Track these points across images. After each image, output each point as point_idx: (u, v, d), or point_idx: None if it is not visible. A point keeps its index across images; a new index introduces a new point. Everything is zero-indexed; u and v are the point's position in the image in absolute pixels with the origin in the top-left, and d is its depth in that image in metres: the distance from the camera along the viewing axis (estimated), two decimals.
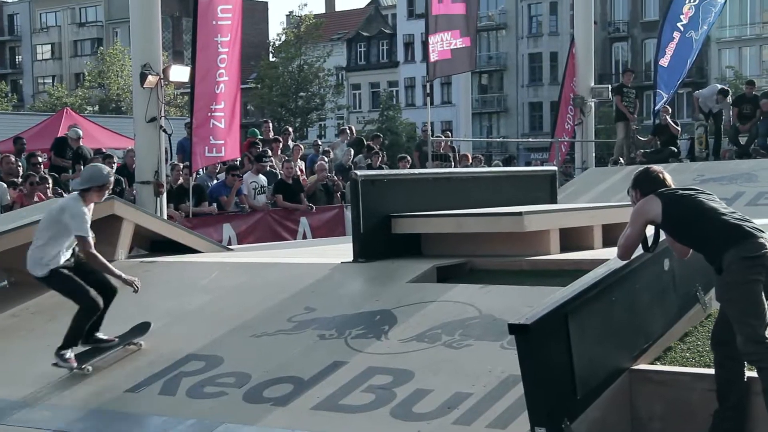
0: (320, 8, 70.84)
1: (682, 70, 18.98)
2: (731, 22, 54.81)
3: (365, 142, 18.10)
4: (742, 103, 17.25)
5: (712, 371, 5.01)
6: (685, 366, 5.29)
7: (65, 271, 6.45)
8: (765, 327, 4.67)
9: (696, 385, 5.03)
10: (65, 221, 6.37)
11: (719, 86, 18.77)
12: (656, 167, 5.32)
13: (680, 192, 5.14)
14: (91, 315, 6.33)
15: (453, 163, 17.55)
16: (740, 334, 4.69)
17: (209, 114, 12.50)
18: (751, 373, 4.77)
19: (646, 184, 5.18)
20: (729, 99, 17.53)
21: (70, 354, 6.28)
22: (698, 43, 18.92)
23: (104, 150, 15.22)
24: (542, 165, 24.63)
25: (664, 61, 18.75)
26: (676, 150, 17.60)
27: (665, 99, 18.71)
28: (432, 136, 19.15)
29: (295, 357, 5.99)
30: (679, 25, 18.71)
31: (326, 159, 16.16)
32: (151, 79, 11.68)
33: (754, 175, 14.18)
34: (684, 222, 5.00)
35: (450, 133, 27.41)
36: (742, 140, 17.35)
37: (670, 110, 18.18)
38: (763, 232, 4.87)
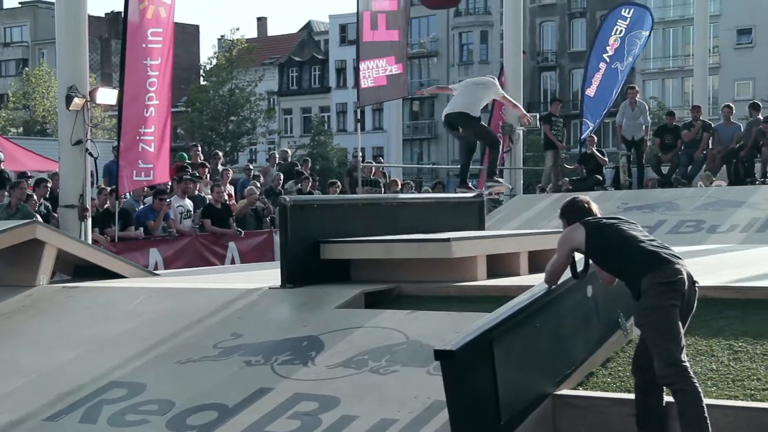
0: (252, 33, 70.54)
1: (607, 100, 19.40)
2: (655, 55, 56.12)
3: (296, 167, 18.10)
4: (664, 133, 17.63)
5: (632, 396, 5.09)
6: (607, 391, 5.36)
7: None
8: (680, 350, 4.78)
9: (617, 410, 5.10)
10: None
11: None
12: (583, 197, 5.46)
13: (603, 221, 5.27)
14: None
15: (383, 189, 17.62)
16: (657, 357, 4.79)
17: (138, 137, 12.40)
18: (669, 398, 4.85)
19: (572, 214, 5.34)
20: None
21: None
22: (623, 74, 19.35)
23: (29, 173, 14.97)
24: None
25: (591, 91, 19.14)
26: (601, 178, 17.93)
27: (591, 128, 19.07)
28: (363, 161, 19.22)
29: (220, 384, 5.92)
30: (605, 56, 19.13)
31: (257, 184, 16.11)
32: (77, 102, 11.55)
33: (676, 203, 14.50)
34: (606, 250, 5.12)
35: (381, 159, 27.56)
36: (665, 169, 17.72)
37: (596, 139, 18.53)
38: (679, 258, 5.00)
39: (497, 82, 11.30)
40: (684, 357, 4.79)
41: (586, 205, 5.34)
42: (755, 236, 12.49)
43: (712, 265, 8.66)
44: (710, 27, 30.54)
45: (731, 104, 18.36)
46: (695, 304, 5.03)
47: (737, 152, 16.75)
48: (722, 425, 4.78)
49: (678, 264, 4.95)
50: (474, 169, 16.68)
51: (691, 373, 4.77)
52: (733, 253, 10.39)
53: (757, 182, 16.33)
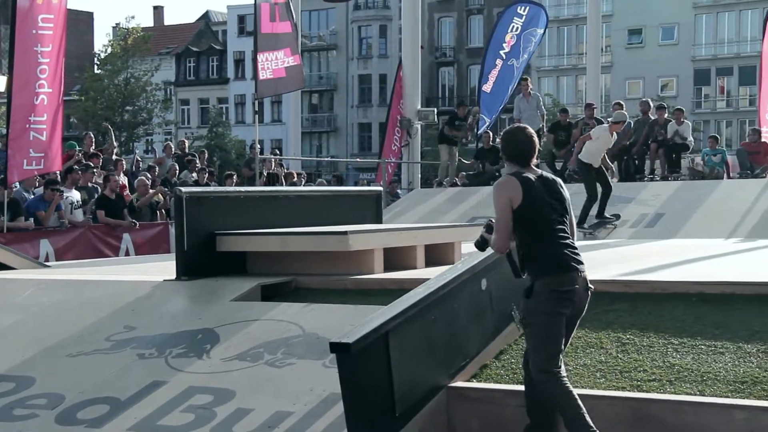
0: (149, 21, 69.42)
1: (503, 96, 19.69)
2: (550, 53, 57.25)
3: (189, 158, 17.89)
4: (558, 130, 17.98)
5: (523, 387, 5.19)
6: (500, 383, 5.46)
7: None
8: (555, 358, 4.76)
9: (509, 401, 5.19)
10: None
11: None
12: (529, 129, 5.11)
13: (537, 194, 4.92)
14: None
15: (282, 182, 17.55)
16: (532, 360, 4.84)
17: (28, 126, 12.06)
18: None
19: (511, 147, 5.02)
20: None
21: None
22: (519, 71, 19.66)
23: None
24: (369, 185, 24.97)
25: (487, 87, 19.40)
26: (498, 174, 18.19)
27: (488, 123, 19.33)
28: (261, 154, 19.10)
29: (113, 377, 5.82)
30: (501, 53, 19.42)
31: (147, 175, 15.86)
32: None
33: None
34: (526, 223, 4.89)
35: (279, 152, 27.42)
36: (559, 165, 18.08)
37: (491, 135, 18.79)
38: (581, 263, 4.93)
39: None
40: (558, 363, 4.77)
41: (527, 140, 4.99)
42: (644, 231, 12.87)
43: (603, 260, 8.89)
44: (602, 26, 31.36)
45: (621, 102, 18.82)
46: (585, 308, 5.00)
47: (628, 149, 17.20)
48: (610, 415, 4.91)
49: (578, 271, 4.88)
50: (372, 162, 16.73)
51: (563, 376, 4.77)
52: (622, 247, 10.68)
53: (647, 179, 16.81)
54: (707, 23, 55.47)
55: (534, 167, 5.02)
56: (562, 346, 4.87)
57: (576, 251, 4.93)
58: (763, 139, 17.31)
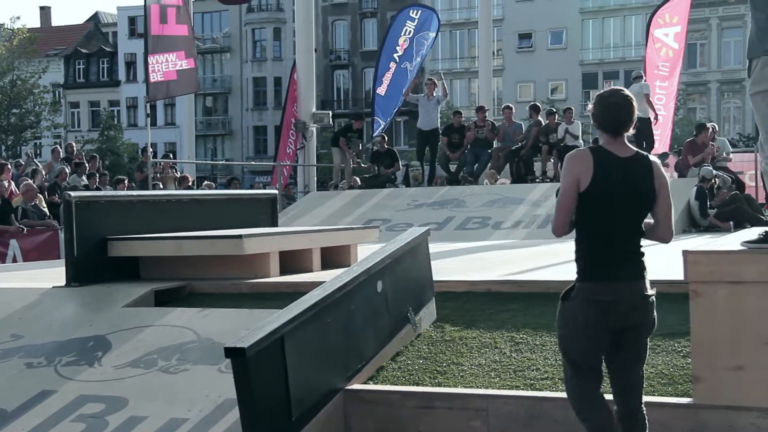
0: (35, 22, 67.64)
1: (397, 99, 19.83)
2: (443, 56, 57.88)
3: (78, 161, 17.50)
4: (451, 132, 18.14)
5: (420, 389, 5.23)
6: (396, 384, 5.48)
7: None
8: (578, 373, 4.18)
9: (406, 403, 5.22)
10: None
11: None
12: (626, 91, 4.21)
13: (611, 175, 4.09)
14: None
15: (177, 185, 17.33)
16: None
17: None
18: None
19: (604, 113, 4.19)
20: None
21: None
22: (412, 74, 19.82)
23: None
24: (264, 188, 24.83)
25: (382, 90, 19.52)
26: (393, 176, 18.29)
27: (383, 126, 19.43)
28: (154, 157, 18.81)
29: None
30: (395, 56, 19.57)
31: (28, 179, 15.45)
32: None
33: (463, 201, 15.01)
34: (588, 215, 4.12)
35: (172, 155, 27.04)
36: (452, 167, 18.27)
37: (386, 139, 18.88)
38: (638, 272, 4.15)
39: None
40: (584, 381, 4.17)
41: (622, 103, 4.13)
42: (536, 232, 13.09)
43: (497, 260, 9.04)
44: (494, 31, 31.81)
45: (511, 105, 19.14)
46: (643, 324, 4.14)
47: (518, 151, 17.50)
48: (503, 413, 4.99)
49: (625, 281, 4.08)
50: (267, 165, 16.62)
51: (581, 394, 4.21)
52: (516, 248, 10.86)
53: (537, 180, 17.13)
54: (594, 28, 56.89)
55: (628, 143, 4.19)
56: (597, 363, 4.18)
57: (634, 256, 4.12)
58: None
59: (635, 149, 4.20)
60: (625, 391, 4.20)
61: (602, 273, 4.07)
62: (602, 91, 4.31)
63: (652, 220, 4.20)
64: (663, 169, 4.25)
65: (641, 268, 4.13)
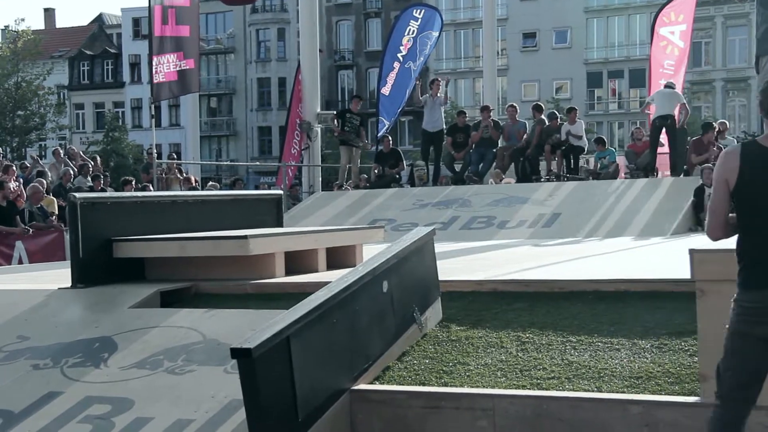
0: (39, 24, 67.78)
1: (402, 98, 19.82)
2: (447, 55, 57.92)
3: (83, 162, 17.53)
4: (455, 132, 18.14)
5: (426, 389, 5.23)
6: (402, 385, 5.47)
7: None
8: (730, 385, 3.94)
9: (412, 403, 5.21)
10: None
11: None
12: None
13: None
14: None
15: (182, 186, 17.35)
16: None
17: None
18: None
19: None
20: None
21: None
22: (416, 73, 19.80)
23: None
24: (269, 189, 24.85)
25: (386, 90, 19.51)
26: (398, 176, 18.29)
27: (387, 126, 19.43)
28: (159, 158, 18.83)
29: (6, 389, 5.65)
30: (399, 55, 19.56)
31: (43, 181, 15.48)
32: None
33: (468, 200, 15.00)
34: (743, 215, 3.88)
35: (176, 156, 27.06)
36: (457, 167, 18.27)
37: (390, 139, 18.87)
38: None
39: None
40: (735, 395, 3.92)
41: None
42: (541, 231, 13.09)
43: (502, 260, 9.02)
44: (498, 30, 31.82)
45: (515, 104, 19.13)
46: None
47: (523, 150, 17.49)
48: (510, 413, 4.98)
49: None
50: (272, 165, 16.64)
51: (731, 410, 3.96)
52: (521, 247, 10.85)
53: (543, 179, 17.12)
54: (598, 27, 56.85)
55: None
56: (750, 378, 3.90)
57: None
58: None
59: None
60: None
61: (754, 280, 3.81)
62: None
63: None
64: None
65: None
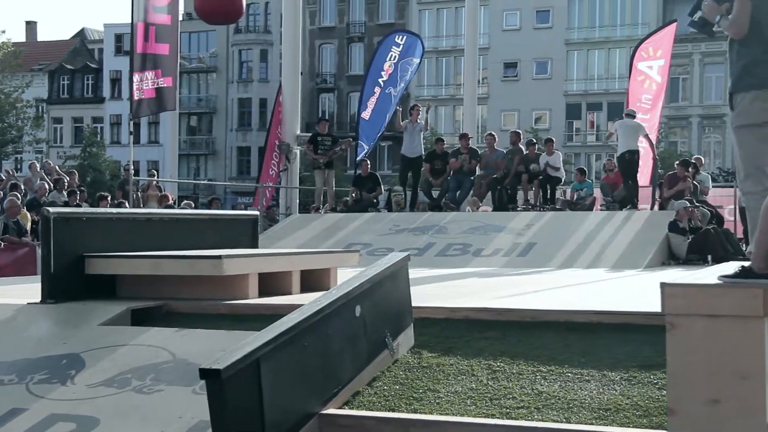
0: (20, 37, 67.56)
1: (381, 123, 19.89)
2: (429, 82, 58.16)
3: (58, 176, 17.44)
4: (434, 158, 18.19)
5: (395, 415, 5.20)
6: (372, 410, 5.44)
7: None
8: None
9: (381, 428, 5.18)
10: None
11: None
12: None
13: None
14: None
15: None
16: None
17: None
18: None
19: None
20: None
21: None
22: (396, 99, 19.89)
23: None
24: (246, 209, 24.79)
25: (366, 114, 19.57)
26: (375, 201, 18.31)
27: (366, 150, 19.46)
28: (136, 175, 18.76)
29: None
30: (380, 80, 19.65)
31: (17, 195, 15.38)
32: None
33: (444, 227, 15.02)
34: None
35: (155, 173, 26.97)
36: (435, 193, 18.31)
37: (369, 163, 18.88)
38: None
39: None
40: None
41: None
42: (516, 260, 13.11)
43: (476, 288, 9.03)
44: (479, 59, 32.01)
45: (493, 133, 19.23)
46: None
47: (502, 180, 17.56)
48: None
49: None
50: (250, 186, 16.61)
51: None
52: (495, 277, 10.86)
53: (519, 209, 17.18)
54: (579, 60, 57.31)
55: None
56: None
57: None
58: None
59: None
60: None
61: None
62: None
63: None
64: None
65: None
